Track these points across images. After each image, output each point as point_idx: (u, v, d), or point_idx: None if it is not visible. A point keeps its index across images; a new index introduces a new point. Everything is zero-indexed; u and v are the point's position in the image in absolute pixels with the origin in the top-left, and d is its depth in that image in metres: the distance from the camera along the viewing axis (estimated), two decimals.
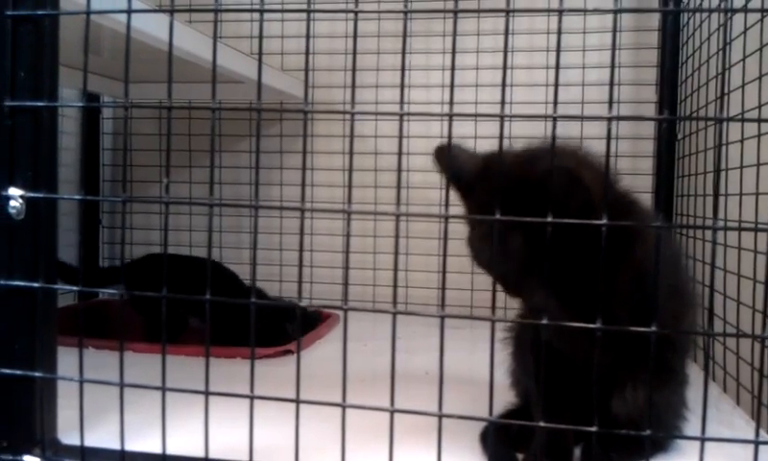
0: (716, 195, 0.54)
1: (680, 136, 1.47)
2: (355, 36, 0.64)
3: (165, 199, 0.64)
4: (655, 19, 1.51)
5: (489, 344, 0.58)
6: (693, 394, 0.81)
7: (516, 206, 0.58)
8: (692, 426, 0.78)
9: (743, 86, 1.02)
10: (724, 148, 1.14)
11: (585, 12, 1.48)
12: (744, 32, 1.02)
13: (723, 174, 1.13)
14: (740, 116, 1.02)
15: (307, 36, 0.62)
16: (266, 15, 1.71)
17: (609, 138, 0.56)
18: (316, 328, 1.37)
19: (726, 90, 0.53)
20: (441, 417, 0.58)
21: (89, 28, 0.67)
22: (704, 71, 1.28)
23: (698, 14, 1.33)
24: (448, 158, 0.73)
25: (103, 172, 1.85)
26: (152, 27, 0.94)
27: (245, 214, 1.79)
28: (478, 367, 0.90)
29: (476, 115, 1.51)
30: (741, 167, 1.01)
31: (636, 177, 1.54)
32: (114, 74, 1.59)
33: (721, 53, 0.70)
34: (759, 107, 0.97)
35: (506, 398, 0.87)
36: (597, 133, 1.49)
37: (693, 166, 1.35)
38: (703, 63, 1.29)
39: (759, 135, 0.97)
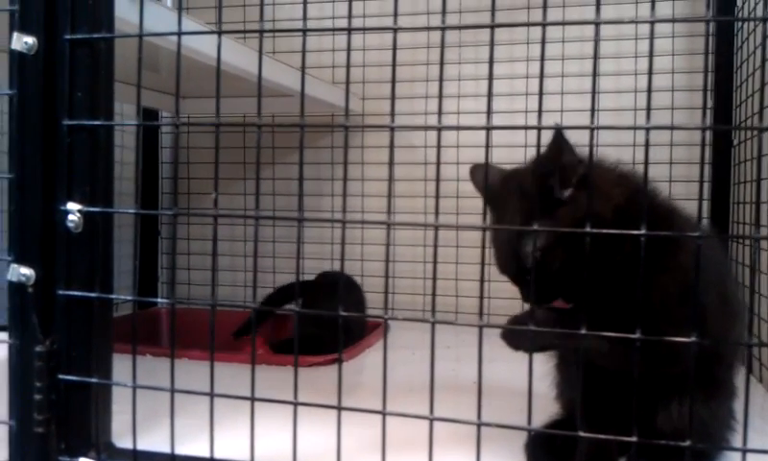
0: (758, 204, 0.53)
1: (735, 143, 1.43)
2: (394, 49, 0.65)
3: (213, 212, 0.66)
4: (709, 25, 1.48)
5: (540, 357, 0.58)
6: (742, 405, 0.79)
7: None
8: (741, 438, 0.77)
9: None
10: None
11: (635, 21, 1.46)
12: None
13: None
14: None
15: (348, 51, 0.64)
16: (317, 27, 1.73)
17: (647, 146, 0.56)
18: (364, 338, 1.39)
19: (765, 101, 0.52)
20: (480, 426, 0.58)
21: (144, 49, 0.70)
22: (758, 76, 1.25)
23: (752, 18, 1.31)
24: (482, 176, 0.76)
25: (162, 185, 1.91)
26: (204, 45, 0.97)
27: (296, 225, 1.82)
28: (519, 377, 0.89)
29: (512, 127, 1.51)
30: None
31: (692, 184, 1.51)
32: (172, 90, 1.64)
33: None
34: None
35: (552, 409, 0.87)
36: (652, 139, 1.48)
37: (750, 173, 1.32)
38: (757, 68, 1.26)
39: None
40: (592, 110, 0.58)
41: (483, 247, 0.64)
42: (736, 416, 0.77)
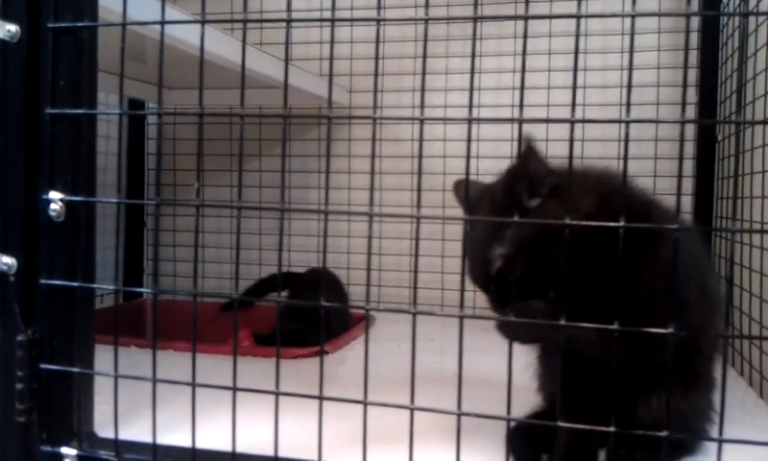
0: (735, 198, 0.54)
1: (720, 138, 1.44)
2: (377, 42, 0.65)
3: (197, 202, 0.66)
4: (695, 20, 1.49)
5: (522, 349, 0.59)
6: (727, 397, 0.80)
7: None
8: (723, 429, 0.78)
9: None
10: (756, 151, 1.12)
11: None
12: None
13: (757, 177, 1.11)
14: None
15: (332, 42, 0.64)
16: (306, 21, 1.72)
17: (627, 140, 0.56)
18: (349, 330, 1.39)
19: (744, 95, 0.53)
20: (460, 416, 0.59)
21: (129, 39, 0.69)
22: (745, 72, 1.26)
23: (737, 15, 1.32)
24: (463, 190, 0.78)
25: (148, 176, 1.91)
26: (189, 35, 0.97)
27: (285, 217, 1.82)
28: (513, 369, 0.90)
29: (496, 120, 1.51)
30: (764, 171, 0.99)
31: (677, 179, 1.52)
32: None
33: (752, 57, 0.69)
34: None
35: (535, 401, 0.87)
36: (637, 134, 1.49)
37: (734, 169, 1.33)
38: (745, 60, 1.27)
39: None
40: (573, 105, 0.58)
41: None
42: (715, 408, 0.77)
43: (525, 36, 0.56)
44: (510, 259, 0.68)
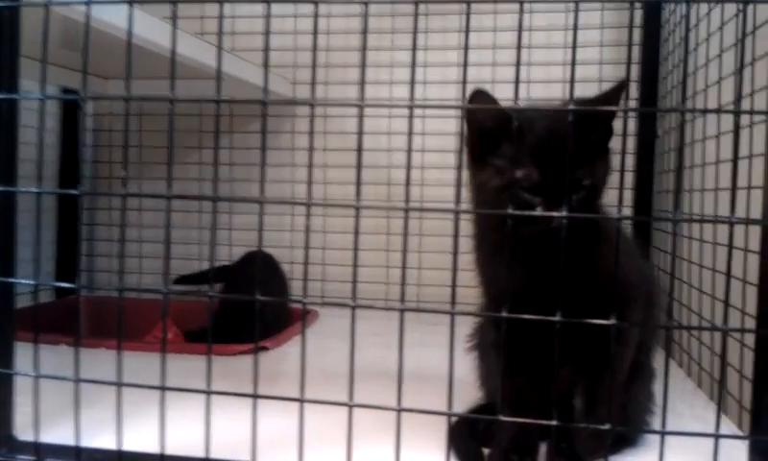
0: (677, 191, 0.53)
1: (660, 133, 1.46)
2: (316, 23, 0.63)
3: (122, 192, 0.63)
4: (637, 16, 1.51)
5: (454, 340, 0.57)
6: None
7: None
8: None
9: (718, 82, 1.02)
10: (696, 144, 1.14)
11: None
12: (721, 26, 1.02)
13: (697, 170, 1.13)
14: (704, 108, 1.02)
15: (268, 27, 0.61)
16: (249, 11, 1.69)
17: (571, 132, 0.55)
18: (291, 323, 1.36)
19: (685, 84, 0.52)
20: (399, 411, 0.57)
21: (61, 25, 0.66)
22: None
23: (678, 10, 1.33)
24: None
25: (82, 168, 1.84)
26: (120, 20, 0.92)
27: (226, 210, 1.77)
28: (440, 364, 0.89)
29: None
30: (704, 164, 1.01)
31: (617, 174, 1.53)
32: (95, 70, 1.58)
33: (696, 48, 0.69)
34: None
35: (476, 395, 0.86)
36: None
37: (676, 160, 1.36)
38: (682, 60, 1.29)
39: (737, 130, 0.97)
40: (516, 96, 0.57)
41: (406, 234, 0.62)
42: (656, 400, 0.78)
43: (468, 19, 0.55)
44: None
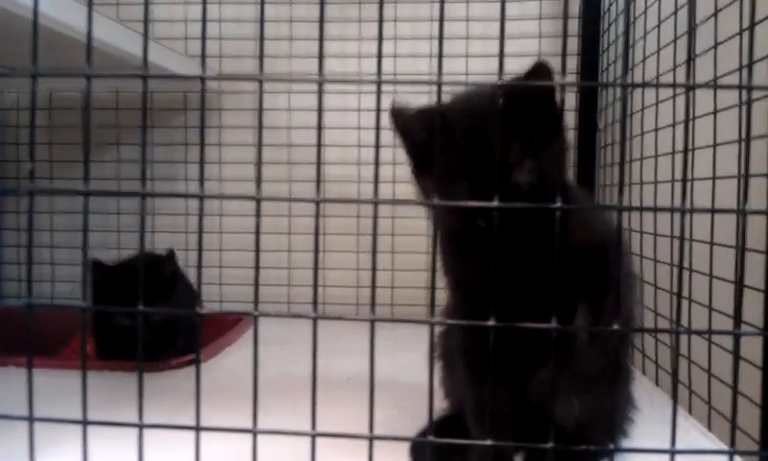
0: (621, 180, 0.47)
1: (600, 126, 1.44)
2: None
3: (31, 187, 0.53)
4: None
5: (414, 346, 0.50)
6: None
7: None
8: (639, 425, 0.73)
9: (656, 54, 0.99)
10: (635, 139, 1.11)
11: None
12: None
13: (635, 164, 1.09)
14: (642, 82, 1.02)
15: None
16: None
17: (499, 109, 0.50)
18: (224, 335, 1.26)
19: (627, 58, 0.47)
20: (372, 439, 0.49)
21: None
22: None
23: None
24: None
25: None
26: None
27: (148, 211, 1.65)
28: (402, 371, 0.82)
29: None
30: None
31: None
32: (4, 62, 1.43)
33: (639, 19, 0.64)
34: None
35: (438, 403, 0.79)
36: None
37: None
38: (623, 33, 1.26)
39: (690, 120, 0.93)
40: (439, 72, 0.50)
41: (315, 233, 0.54)
42: (635, 403, 0.73)
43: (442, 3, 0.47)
44: None
